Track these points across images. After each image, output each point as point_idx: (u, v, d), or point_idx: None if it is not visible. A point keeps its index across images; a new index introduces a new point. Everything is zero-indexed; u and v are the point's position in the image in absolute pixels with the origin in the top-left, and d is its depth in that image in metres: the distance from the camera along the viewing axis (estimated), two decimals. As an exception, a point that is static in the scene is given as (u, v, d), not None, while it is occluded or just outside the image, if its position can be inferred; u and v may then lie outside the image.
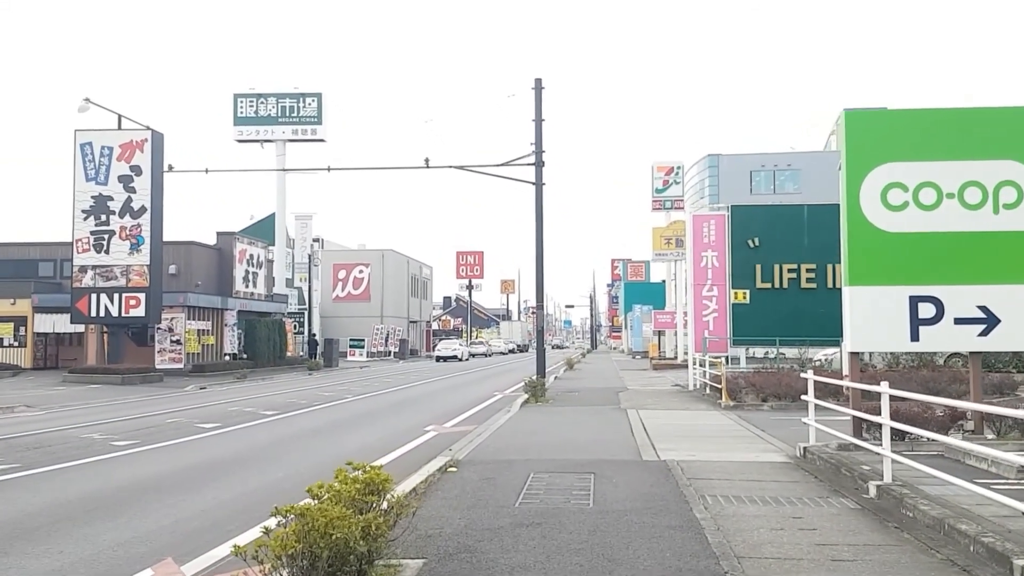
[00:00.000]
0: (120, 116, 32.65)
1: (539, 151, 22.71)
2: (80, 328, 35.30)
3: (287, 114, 48.57)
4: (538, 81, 23.06)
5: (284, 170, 42.22)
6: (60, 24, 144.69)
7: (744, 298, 23.80)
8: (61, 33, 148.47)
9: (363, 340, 56.58)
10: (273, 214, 48.39)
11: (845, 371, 20.24)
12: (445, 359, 54.35)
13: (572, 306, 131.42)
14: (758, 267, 23.79)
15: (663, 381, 27.70)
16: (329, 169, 25.27)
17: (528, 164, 22.80)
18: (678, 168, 40.10)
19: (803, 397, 11.59)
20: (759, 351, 25.67)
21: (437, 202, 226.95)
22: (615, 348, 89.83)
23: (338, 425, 16.46)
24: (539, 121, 22.90)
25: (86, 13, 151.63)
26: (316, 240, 70.81)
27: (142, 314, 32.09)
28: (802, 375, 12.25)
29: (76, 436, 14.56)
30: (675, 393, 22.69)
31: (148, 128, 32.60)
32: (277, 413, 18.39)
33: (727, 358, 22.79)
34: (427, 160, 22.87)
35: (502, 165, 22.98)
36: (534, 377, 22.06)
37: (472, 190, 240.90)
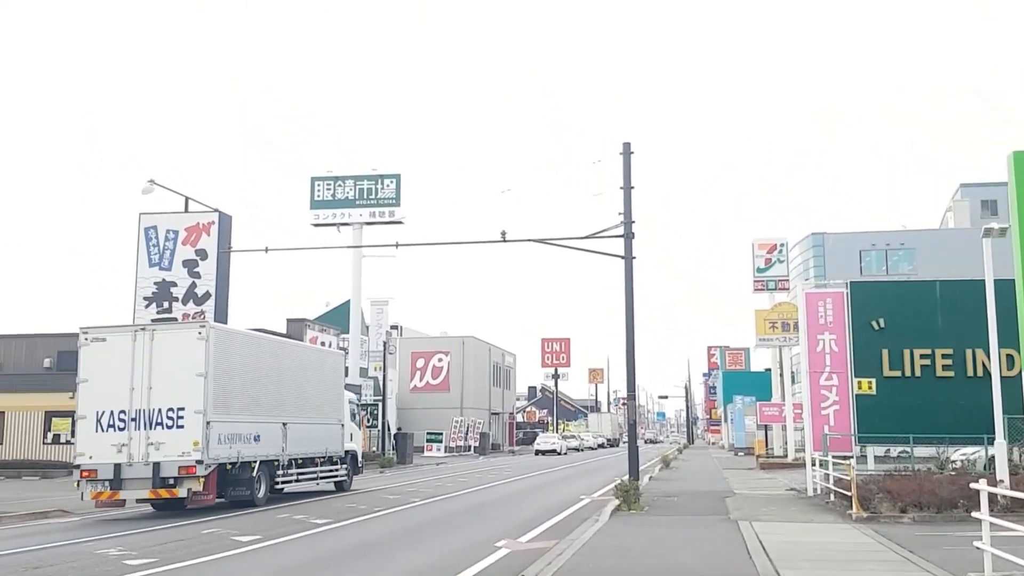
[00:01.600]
0: (187, 198, 31.62)
1: (628, 221, 20.12)
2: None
3: (364, 196, 47.44)
4: (626, 146, 20.69)
5: (351, 247, 40.88)
6: (124, 100, 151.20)
7: (870, 388, 20.28)
8: (124, 109, 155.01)
9: (441, 434, 53.92)
10: (348, 301, 46.82)
11: (1001, 475, 16.76)
12: (544, 452, 56.37)
13: (666, 397, 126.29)
14: (885, 352, 20.32)
15: (775, 484, 24.09)
16: (397, 245, 23.31)
17: (616, 236, 20.20)
18: (782, 245, 36.83)
19: (974, 514, 9.06)
20: (883, 449, 21.98)
21: (518, 283, 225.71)
22: (714, 443, 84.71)
23: (391, 540, 13.67)
24: (628, 188, 20.39)
25: (151, 92, 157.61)
26: (394, 327, 69.33)
27: (203, 406, 30.17)
28: (972, 485, 9.31)
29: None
30: (792, 500, 19.21)
31: (215, 210, 31.42)
32: (329, 523, 15.73)
33: (853, 458, 19.27)
34: (504, 234, 20.50)
35: (586, 238, 20.43)
36: (625, 479, 18.95)
37: (555, 267, 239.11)
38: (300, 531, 14.41)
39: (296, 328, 38.43)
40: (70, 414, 34.02)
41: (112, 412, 17.45)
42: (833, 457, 18.81)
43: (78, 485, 17.47)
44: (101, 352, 18.00)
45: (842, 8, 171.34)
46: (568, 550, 11.29)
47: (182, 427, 17.23)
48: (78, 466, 17.44)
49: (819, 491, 19.38)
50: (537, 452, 57.77)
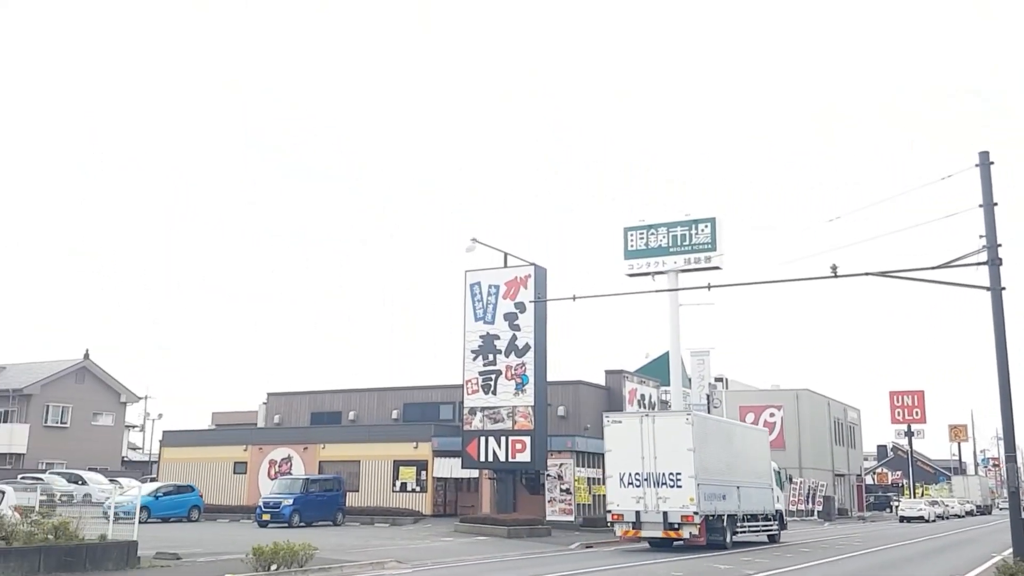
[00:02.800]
0: (506, 254, 32.36)
1: (993, 244, 16.63)
2: (475, 473, 34.60)
3: (678, 243, 45.83)
4: (984, 155, 17.28)
5: (660, 291, 39.26)
6: (443, 164, 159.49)
7: None
8: (444, 172, 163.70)
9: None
10: (667, 352, 45.25)
11: None
12: (910, 519, 53.93)
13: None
14: None
15: None
16: (709, 287, 21.43)
17: (976, 263, 16.77)
18: None
19: None
20: None
21: (855, 328, 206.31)
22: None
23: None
24: (989, 205, 16.93)
25: (467, 155, 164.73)
26: (719, 379, 66.29)
27: (528, 459, 30.26)
28: None
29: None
30: None
31: (531, 264, 31.82)
32: (797, 563, 14.26)
33: None
34: (834, 268, 17.90)
35: (938, 268, 17.18)
36: (1008, 556, 15.23)
37: (900, 305, 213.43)
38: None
39: (615, 380, 37.66)
40: (415, 463, 36.35)
41: (630, 473, 24.21)
42: None
43: (609, 524, 25.25)
44: (619, 430, 24.92)
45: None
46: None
47: (680, 487, 23.51)
48: (610, 511, 24.73)
49: None
50: (902, 519, 54.64)
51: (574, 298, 22.60)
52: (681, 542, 23.67)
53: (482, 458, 30.93)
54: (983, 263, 16.47)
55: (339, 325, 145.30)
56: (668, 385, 47.70)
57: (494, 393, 31.26)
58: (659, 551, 23.36)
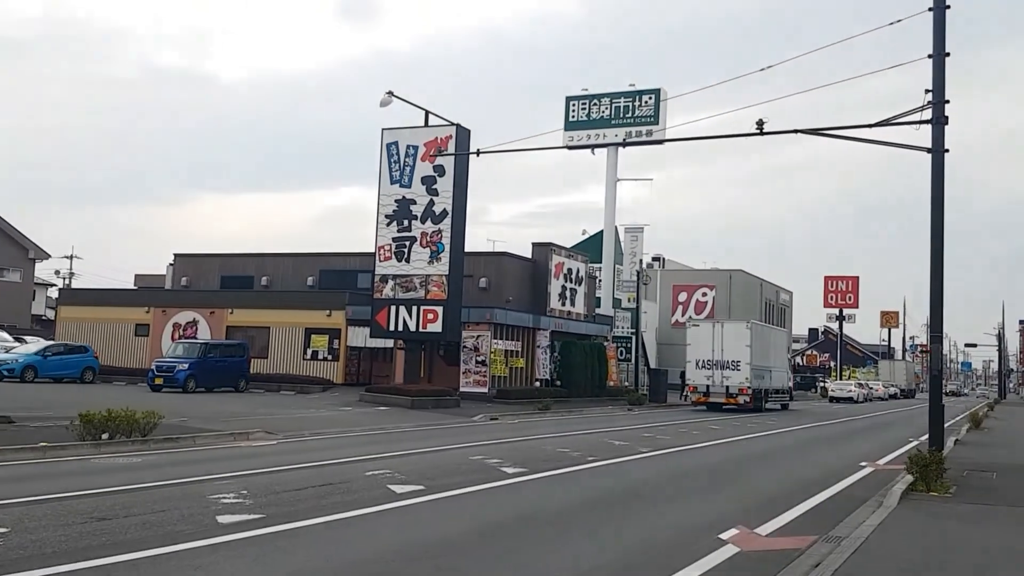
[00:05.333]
0: (427, 112, 29.81)
1: (940, 100, 14.75)
2: (390, 343, 33.11)
3: (621, 115, 43.73)
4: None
5: (572, 147, 37.35)
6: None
7: None
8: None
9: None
10: (603, 230, 43.72)
11: None
12: (839, 399, 55.30)
13: (974, 345, 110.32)
14: None
15: None
16: (624, 144, 19.66)
17: (919, 122, 14.92)
18: None
19: None
20: None
21: (792, 212, 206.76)
22: (1031, 400, 72.74)
23: (587, 509, 10.37)
24: (940, 56, 14.94)
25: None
26: (656, 259, 65.46)
27: (439, 329, 28.72)
28: None
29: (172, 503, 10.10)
30: None
31: (454, 124, 29.33)
32: (523, 472, 12.76)
33: None
34: (760, 123, 15.89)
35: (875, 126, 15.32)
36: (923, 442, 14.18)
37: (838, 189, 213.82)
38: (475, 484, 11.54)
39: (542, 253, 35.99)
40: (328, 332, 34.68)
41: (703, 360, 35.44)
42: None
43: (684, 396, 38.66)
44: (697, 331, 36.44)
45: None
46: (830, 559, 7.35)
47: (739, 370, 34.90)
48: (688, 384, 36.69)
49: None
50: (831, 399, 55.76)
51: (478, 153, 20.52)
52: (732, 406, 34.65)
53: (392, 327, 29.31)
54: (926, 121, 14.63)
55: (263, 179, 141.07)
56: (602, 261, 46.57)
57: (408, 261, 29.37)
58: (714, 412, 33.78)
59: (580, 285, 38.76)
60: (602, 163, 45.78)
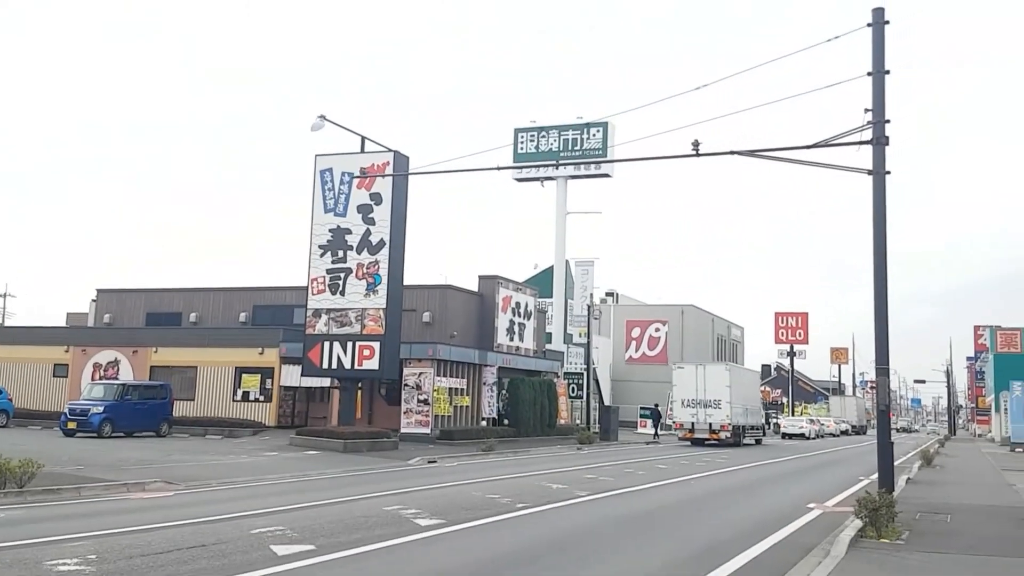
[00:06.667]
0: (364, 138, 28.65)
1: (880, 120, 14.03)
2: (326, 381, 31.59)
3: (570, 148, 43.12)
4: (878, 12, 14.51)
5: (524, 177, 36.56)
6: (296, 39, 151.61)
7: None
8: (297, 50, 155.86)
9: (654, 409, 48.68)
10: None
11: None
12: (791, 436, 55.01)
13: (923, 381, 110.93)
14: None
15: (1098, 502, 17.00)
16: (558, 165, 18.48)
17: (859, 143, 14.17)
18: None
19: None
20: None
21: (749, 247, 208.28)
22: (980, 435, 72.82)
23: (502, 566, 9.12)
24: (880, 73, 14.27)
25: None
26: (610, 294, 64.76)
27: (375, 367, 27.26)
28: None
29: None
30: None
31: (391, 151, 28.19)
32: (440, 524, 11.50)
33: None
34: (696, 144, 15.03)
35: (813, 147, 14.52)
36: (872, 481, 13.19)
37: (789, 228, 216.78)
38: (392, 538, 10.24)
39: (488, 286, 34.87)
40: (260, 371, 33.05)
41: (688, 399, 38.57)
42: None
43: (672, 429, 42.09)
44: (682, 373, 39.39)
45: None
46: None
47: (720, 408, 37.99)
48: (674, 422, 40.52)
49: None
50: (784, 435, 55.52)
51: (402, 175, 19.37)
52: (715, 441, 37.40)
53: (325, 365, 27.81)
54: (866, 142, 13.89)
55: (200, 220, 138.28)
56: (553, 296, 45.62)
57: (342, 293, 27.98)
58: (697, 447, 36.43)
59: (529, 319, 37.68)
60: (552, 196, 45.12)
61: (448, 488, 16.21)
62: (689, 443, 37.90)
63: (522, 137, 44.82)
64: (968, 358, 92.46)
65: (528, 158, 44.71)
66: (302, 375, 29.26)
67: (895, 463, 16.56)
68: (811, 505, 15.38)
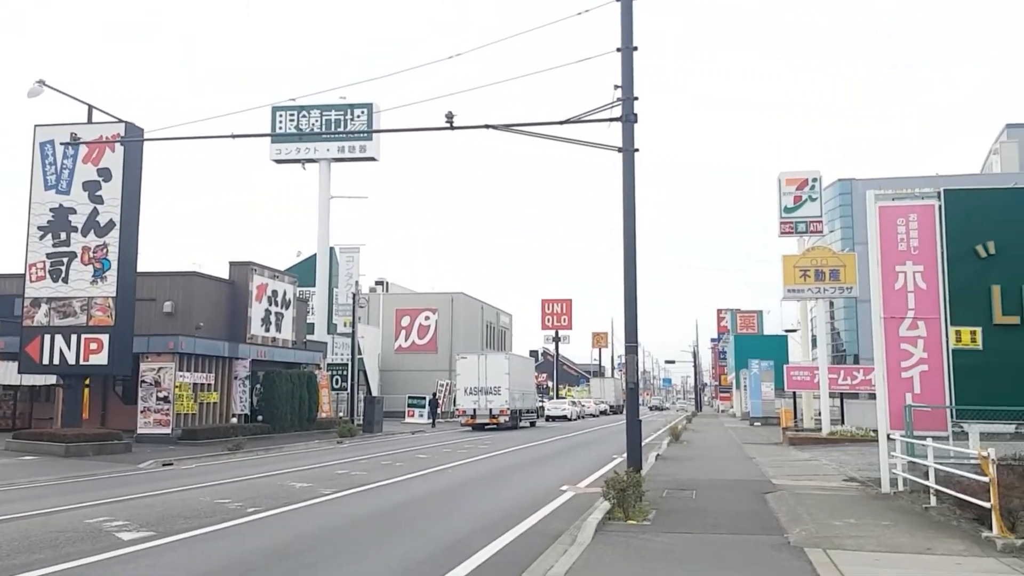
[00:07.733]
0: (91, 107, 25.55)
1: (628, 97, 13.97)
2: (53, 379, 28.01)
3: (332, 129, 41.34)
4: (626, -9, 14.43)
5: (284, 159, 34.87)
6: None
7: (973, 341, 14.30)
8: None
9: (424, 398, 48.11)
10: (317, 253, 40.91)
11: None
12: (555, 419, 56.36)
13: (673, 362, 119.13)
14: (996, 290, 14.29)
15: (821, 469, 18.18)
16: (300, 133, 17.10)
17: (608, 119, 14.04)
18: (814, 180, 30.00)
19: None
20: (992, 426, 15.92)
21: (517, 241, 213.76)
22: (723, 411, 78.87)
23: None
24: (628, 50, 14.22)
25: None
26: (379, 283, 63.47)
27: (104, 362, 24.38)
28: None
29: None
30: (863, 500, 13.32)
31: (123, 121, 25.29)
32: (148, 537, 9.88)
33: (949, 437, 13.48)
34: (450, 116, 14.29)
35: (566, 122, 14.24)
36: (622, 460, 13.10)
37: (556, 219, 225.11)
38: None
39: (240, 273, 32.41)
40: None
41: (470, 387, 40.92)
42: (917, 436, 13.13)
43: (454, 416, 45.00)
44: (465, 363, 41.91)
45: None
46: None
47: (500, 394, 40.58)
48: (457, 408, 42.43)
49: (904, 487, 13.58)
50: (548, 418, 56.58)
51: (129, 140, 17.12)
52: (494, 425, 39.82)
53: (46, 360, 24.52)
54: (616, 119, 13.76)
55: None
56: (316, 284, 43.61)
57: (66, 281, 24.79)
58: (477, 432, 38.32)
59: (288, 309, 35.56)
60: (314, 179, 43.12)
61: (173, 494, 14.40)
62: (471, 428, 39.97)
63: (280, 116, 42.45)
64: (712, 339, 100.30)
65: (288, 139, 42.50)
66: (19, 371, 25.70)
67: (646, 440, 16.85)
68: (564, 488, 15.16)
